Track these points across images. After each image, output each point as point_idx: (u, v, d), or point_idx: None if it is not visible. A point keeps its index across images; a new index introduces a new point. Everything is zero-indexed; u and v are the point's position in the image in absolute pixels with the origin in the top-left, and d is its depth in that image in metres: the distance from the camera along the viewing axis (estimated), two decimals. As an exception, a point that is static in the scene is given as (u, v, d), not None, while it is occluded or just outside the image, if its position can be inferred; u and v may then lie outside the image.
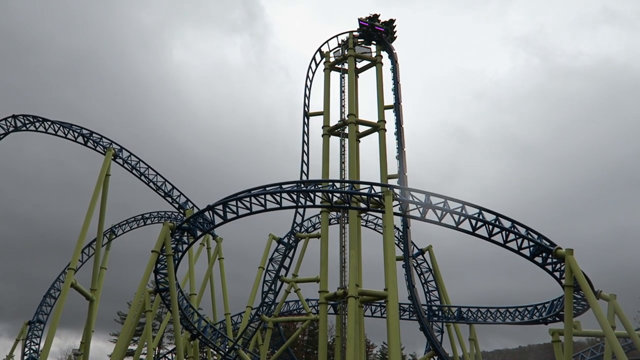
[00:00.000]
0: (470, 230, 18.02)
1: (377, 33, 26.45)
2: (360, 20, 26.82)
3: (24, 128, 30.51)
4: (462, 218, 17.97)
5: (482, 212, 18.09)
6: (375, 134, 24.50)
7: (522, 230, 18.04)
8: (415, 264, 31.52)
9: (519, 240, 17.89)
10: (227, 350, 25.33)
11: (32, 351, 33.17)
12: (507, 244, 17.96)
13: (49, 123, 30.01)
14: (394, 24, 26.94)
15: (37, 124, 30.23)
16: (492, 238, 17.99)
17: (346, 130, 24.23)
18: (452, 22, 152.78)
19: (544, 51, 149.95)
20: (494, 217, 18.08)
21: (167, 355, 37.96)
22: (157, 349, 45.14)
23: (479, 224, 17.94)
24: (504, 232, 17.88)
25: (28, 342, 33.24)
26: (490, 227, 17.92)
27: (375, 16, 26.91)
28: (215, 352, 29.70)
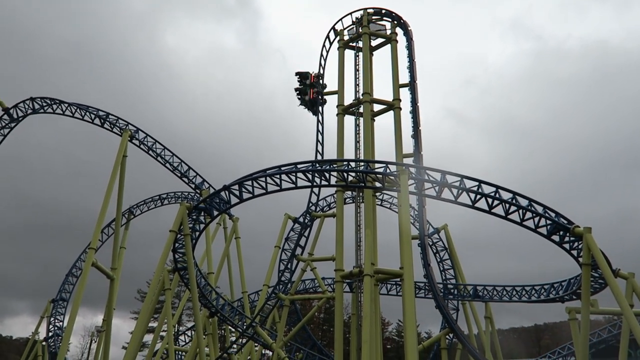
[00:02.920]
0: (487, 208, 17.95)
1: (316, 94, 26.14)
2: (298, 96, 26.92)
3: (42, 110, 30.86)
4: (479, 197, 17.89)
5: (499, 190, 17.97)
6: (390, 113, 24.30)
7: (539, 209, 17.91)
8: (430, 243, 31.54)
9: (536, 219, 17.77)
10: (245, 327, 25.80)
11: (56, 328, 34.23)
12: (523, 223, 17.87)
13: (66, 105, 30.30)
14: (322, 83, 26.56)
15: (55, 106, 30.53)
16: (508, 217, 17.90)
17: (361, 109, 24.05)
18: (445, 8, 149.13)
19: (534, 34, 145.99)
20: (510, 195, 17.96)
21: (186, 332, 38.87)
22: (176, 326, 46.15)
23: (496, 202, 17.84)
24: (520, 211, 17.78)
25: (52, 319, 34.27)
26: (507, 205, 17.81)
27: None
28: (233, 329, 30.30)
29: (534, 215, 17.73)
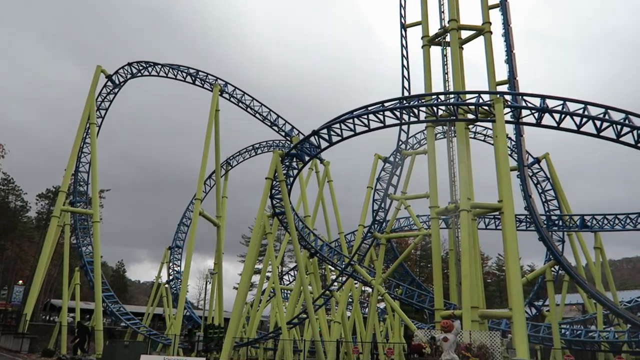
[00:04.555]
0: (595, 132, 16.54)
1: None
2: None
3: (139, 74, 32.80)
4: (585, 120, 16.48)
5: (609, 111, 16.41)
6: (480, 39, 22.68)
7: (658, 128, 16.16)
8: (530, 174, 29.96)
9: (654, 140, 16.11)
10: (344, 266, 26.73)
11: (175, 272, 37.92)
12: (639, 145, 16.29)
13: (160, 66, 31.92)
14: None
15: (150, 69, 32.30)
16: (620, 139, 16.40)
17: (447, 38, 22.70)
18: None
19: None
20: (622, 115, 16.35)
21: (290, 272, 41.24)
22: (280, 267, 49.04)
23: (605, 124, 16.37)
24: (635, 132, 16.18)
25: (171, 264, 37.94)
26: (618, 127, 16.27)
27: None
28: (333, 268, 31.55)
29: (652, 135, 16.07)
